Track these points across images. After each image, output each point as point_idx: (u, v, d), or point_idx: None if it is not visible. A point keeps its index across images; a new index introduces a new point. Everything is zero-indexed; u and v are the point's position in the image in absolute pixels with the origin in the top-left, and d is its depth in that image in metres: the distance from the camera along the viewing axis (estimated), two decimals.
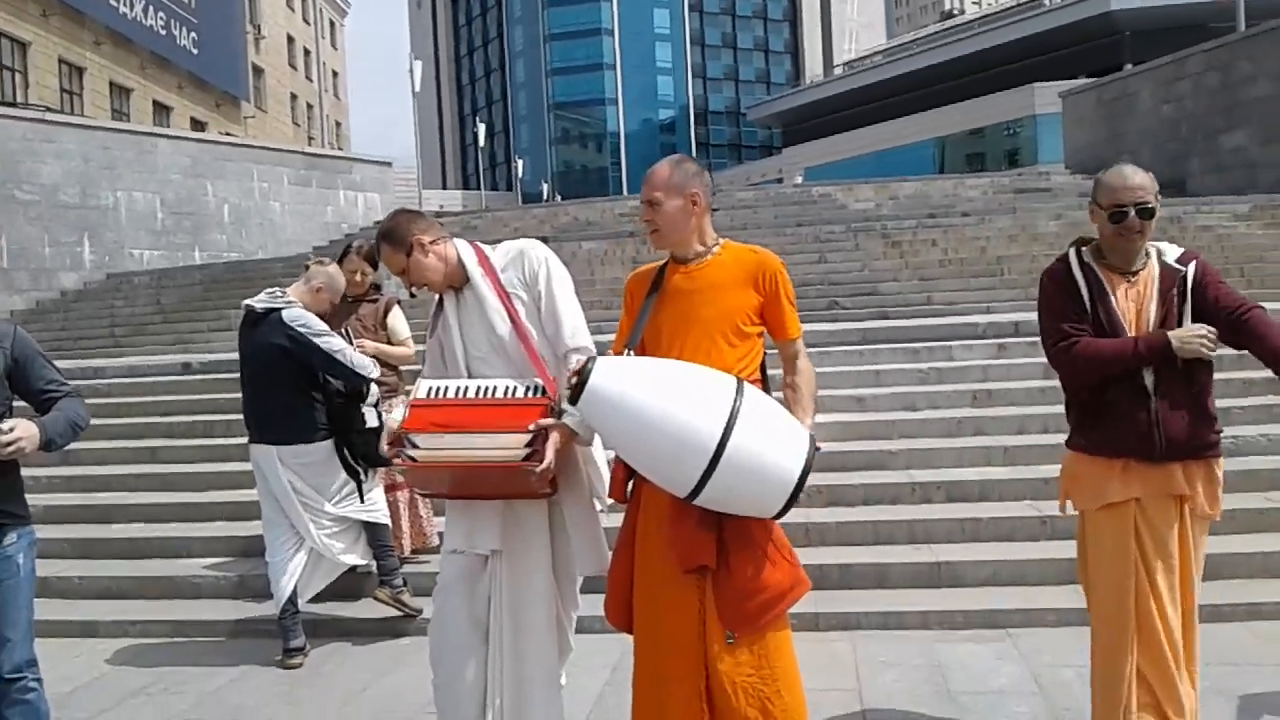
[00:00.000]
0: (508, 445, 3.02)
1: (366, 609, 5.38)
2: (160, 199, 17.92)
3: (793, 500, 2.73)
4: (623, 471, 3.07)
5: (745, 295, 3.01)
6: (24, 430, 3.09)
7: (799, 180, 38.55)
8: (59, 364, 3.55)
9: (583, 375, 2.74)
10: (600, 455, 3.40)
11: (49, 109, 22.38)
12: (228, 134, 32.88)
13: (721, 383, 2.76)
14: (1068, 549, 3.96)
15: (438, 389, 3.21)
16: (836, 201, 17.97)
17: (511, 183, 60.38)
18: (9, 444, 3.04)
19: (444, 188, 72.45)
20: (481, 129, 49.96)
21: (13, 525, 3.28)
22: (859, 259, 12.63)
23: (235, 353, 5.47)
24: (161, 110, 32.74)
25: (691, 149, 76.96)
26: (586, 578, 3.44)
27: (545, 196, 52.02)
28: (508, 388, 3.17)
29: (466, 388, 3.20)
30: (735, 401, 2.70)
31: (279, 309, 5.04)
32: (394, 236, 3.34)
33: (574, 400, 2.78)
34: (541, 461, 2.97)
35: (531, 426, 3.01)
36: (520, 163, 61.78)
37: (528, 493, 3.14)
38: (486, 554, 3.30)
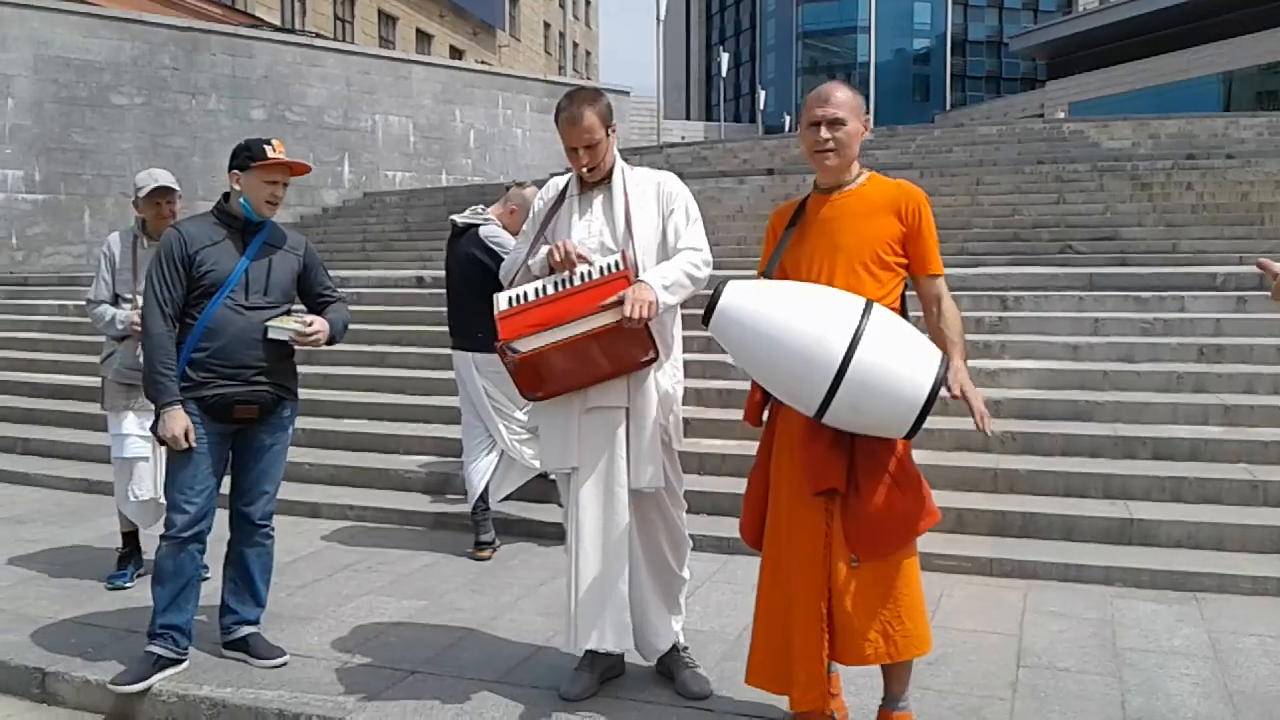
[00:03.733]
0: (599, 322, 3.21)
1: (552, 514, 5.70)
2: (413, 123, 19.03)
3: (921, 418, 2.72)
4: (759, 395, 3.14)
5: (887, 224, 2.99)
6: (321, 325, 3.87)
7: (1062, 115, 36.24)
8: None
9: (714, 296, 2.83)
10: (670, 380, 3.55)
11: (319, 35, 24.10)
12: (483, 62, 34.26)
13: (850, 301, 2.79)
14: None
15: (516, 296, 3.39)
16: (1088, 139, 16.88)
17: (754, 114, 59.90)
18: (312, 334, 3.82)
19: (687, 118, 72.97)
20: (725, 58, 49.68)
21: (288, 400, 4.01)
22: (1101, 201, 11.87)
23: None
24: (423, 38, 34.49)
25: (946, 81, 73.59)
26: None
27: (788, 129, 51.36)
28: (583, 273, 3.34)
29: (543, 286, 3.37)
30: (862, 318, 2.72)
31: (477, 225, 5.37)
32: (608, 111, 3.50)
33: (706, 320, 2.87)
34: (628, 309, 3.14)
35: (615, 297, 3.19)
36: (764, 93, 61.06)
37: (632, 361, 3.33)
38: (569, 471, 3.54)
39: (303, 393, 7.65)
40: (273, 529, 4.12)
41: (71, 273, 13.49)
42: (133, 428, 4.89)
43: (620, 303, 3.21)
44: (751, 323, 2.78)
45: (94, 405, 8.21)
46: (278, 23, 25.90)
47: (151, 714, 3.77)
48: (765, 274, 3.08)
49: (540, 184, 5.89)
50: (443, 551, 5.46)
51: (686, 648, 3.73)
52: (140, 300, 4.75)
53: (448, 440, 6.84)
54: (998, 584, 4.78)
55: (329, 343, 4.00)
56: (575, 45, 51.17)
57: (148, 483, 4.93)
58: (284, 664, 3.95)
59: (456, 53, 35.29)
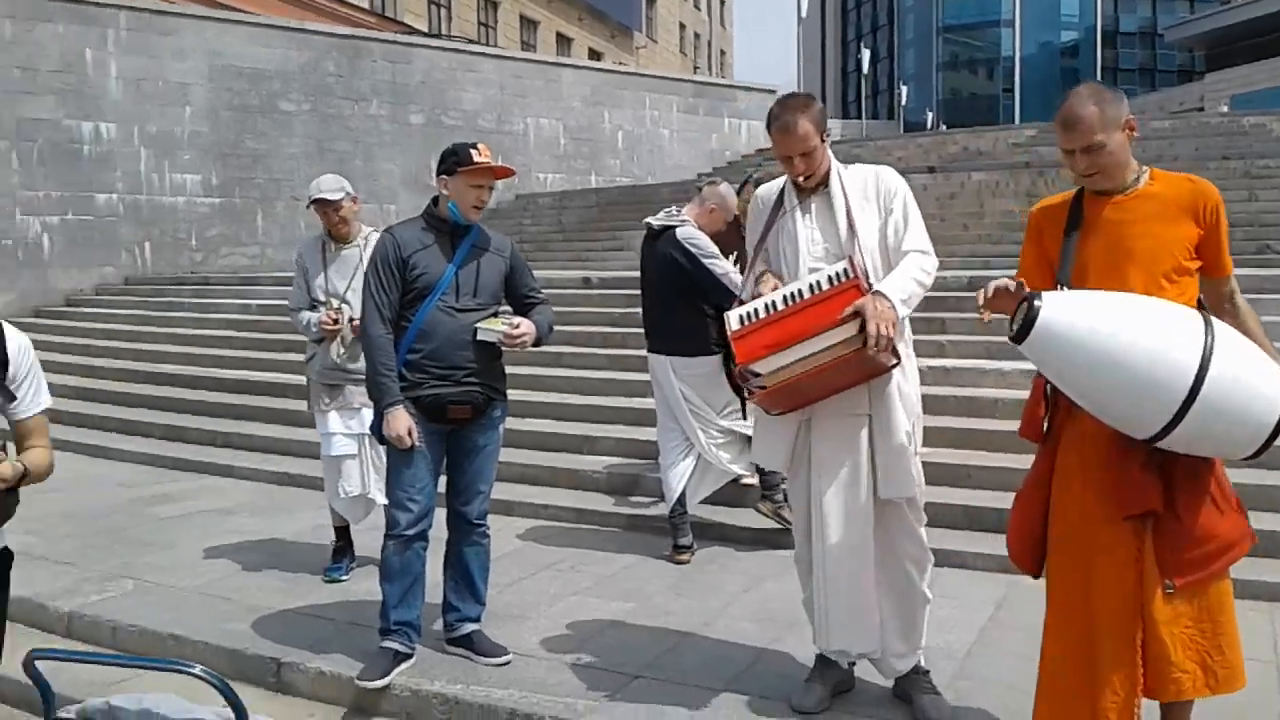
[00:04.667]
0: (838, 337, 3.11)
1: (748, 519, 5.64)
2: (563, 125, 19.26)
3: (1273, 438, 2.53)
4: (1041, 409, 2.95)
5: (1184, 227, 2.78)
6: (527, 327, 3.91)
7: (1224, 109, 34.40)
8: None
9: (1030, 312, 2.59)
10: (911, 383, 3.45)
11: (470, 40, 24.63)
12: (620, 64, 34.52)
13: (1185, 314, 2.58)
14: None
15: (747, 314, 3.29)
16: (1272, 133, 15.94)
17: (893, 110, 58.83)
18: (520, 336, 3.85)
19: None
20: (866, 54, 48.89)
21: (498, 400, 4.07)
22: None
23: (629, 270, 5.86)
24: (563, 41, 34.95)
25: (1096, 74, 70.69)
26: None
27: (929, 125, 50.16)
28: (811, 284, 3.24)
29: (773, 301, 3.26)
30: (1207, 334, 2.51)
31: (674, 227, 5.33)
32: (821, 117, 3.39)
33: (1019, 338, 2.63)
34: (872, 338, 3.04)
35: (849, 310, 3.09)
36: (904, 89, 59.82)
37: (878, 369, 3.23)
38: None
39: None
40: (488, 528, 4.17)
41: (248, 272, 14.10)
42: (338, 426, 5.02)
43: (856, 314, 3.10)
44: (1083, 341, 2.54)
45: (281, 400, 8.60)
46: (426, 30, 26.59)
47: (388, 707, 3.85)
48: (1060, 279, 2.86)
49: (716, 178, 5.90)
50: (640, 553, 5.45)
51: (928, 671, 3.60)
52: (331, 302, 4.90)
53: (631, 441, 6.85)
54: (1239, 606, 4.49)
55: (535, 344, 4.02)
56: (710, 45, 51.11)
57: (356, 479, 5.06)
58: (508, 662, 3.99)
59: (595, 55, 35.64)
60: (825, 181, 3.45)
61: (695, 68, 47.13)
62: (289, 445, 7.55)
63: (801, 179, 3.43)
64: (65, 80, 14.05)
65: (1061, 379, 2.70)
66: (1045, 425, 2.95)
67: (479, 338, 3.89)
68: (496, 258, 4.04)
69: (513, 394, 7.78)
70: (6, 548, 2.87)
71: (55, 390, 9.23)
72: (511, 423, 7.34)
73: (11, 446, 2.77)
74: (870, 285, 3.22)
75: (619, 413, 7.35)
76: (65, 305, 13.67)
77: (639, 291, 5.68)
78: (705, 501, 5.61)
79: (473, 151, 3.91)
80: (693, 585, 4.96)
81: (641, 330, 5.68)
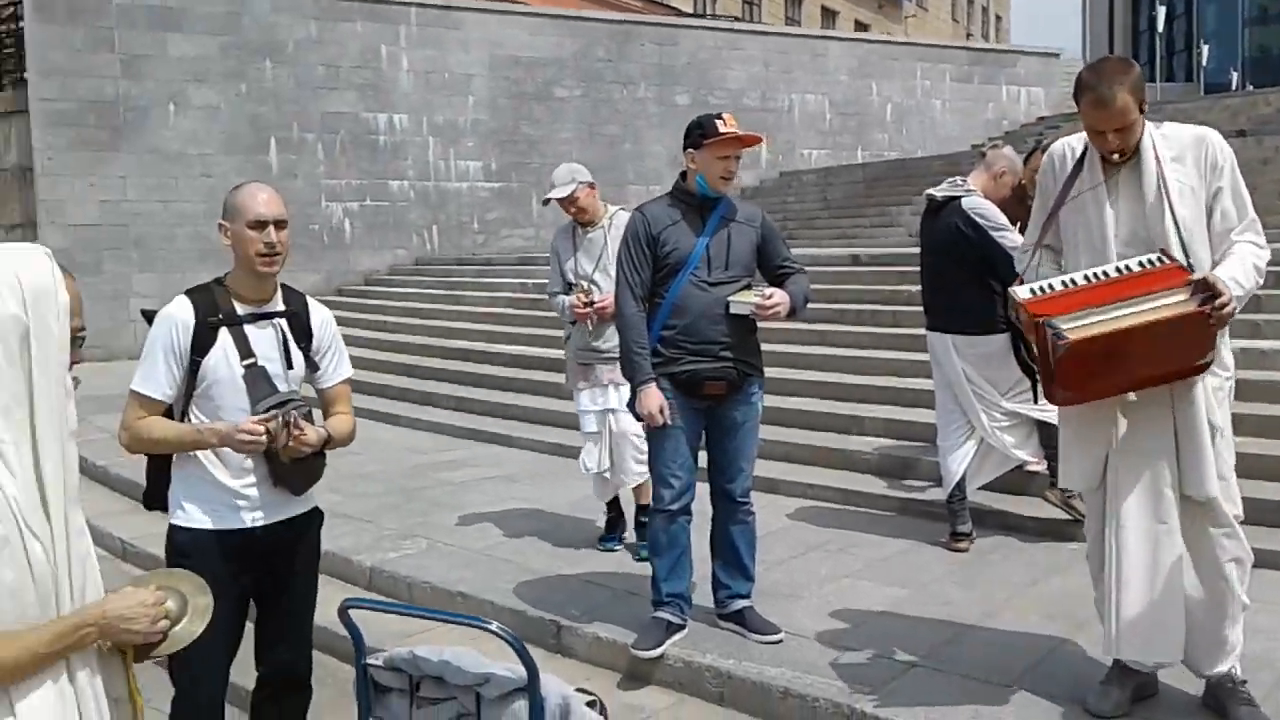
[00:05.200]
0: (1166, 302, 2.81)
1: (1033, 507, 5.32)
2: (829, 100, 18.91)
3: None
4: None
5: None
6: (780, 297, 3.79)
7: None
8: None
9: None
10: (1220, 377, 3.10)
11: (735, 19, 24.61)
12: (888, 34, 33.51)
13: None
14: None
15: (1041, 287, 3.02)
16: None
17: (1191, 72, 53.91)
18: (773, 307, 3.75)
19: None
20: (1161, 11, 45.01)
21: (754, 376, 3.97)
22: None
23: (898, 247, 5.63)
24: (828, 15, 34.34)
25: None
26: None
27: (1233, 86, 45.60)
28: (1120, 266, 2.94)
29: (1073, 279, 2.97)
30: None
31: (958, 197, 5.06)
32: (1140, 84, 3.04)
33: None
34: (1223, 301, 2.76)
35: (1185, 281, 2.81)
36: (1204, 48, 54.68)
37: (1188, 364, 2.92)
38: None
39: None
40: (752, 505, 4.11)
41: (524, 253, 14.75)
42: (587, 404, 5.10)
43: (1194, 291, 2.81)
44: None
45: (556, 374, 8.87)
46: (691, 11, 26.80)
47: (661, 677, 3.90)
48: None
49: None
50: (914, 538, 5.26)
51: (1245, 681, 3.26)
52: (581, 284, 4.94)
53: (901, 423, 6.63)
54: None
55: (789, 315, 3.91)
56: (985, 10, 48.66)
57: (594, 457, 5.12)
58: (780, 640, 3.94)
59: (861, 27, 34.77)
60: (1136, 151, 3.10)
61: (968, 34, 45.04)
62: (564, 418, 7.81)
63: (1115, 156, 3.10)
64: (363, 75, 15.19)
65: None
66: None
67: (732, 310, 3.83)
68: (747, 228, 3.97)
69: (777, 371, 7.82)
70: (317, 507, 3.10)
71: (354, 362, 9.95)
72: (775, 401, 7.36)
73: (317, 414, 2.98)
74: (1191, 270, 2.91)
75: (888, 392, 7.12)
76: (364, 284, 14.83)
77: (910, 269, 5.47)
78: (986, 488, 5.34)
79: (718, 122, 3.85)
80: (972, 575, 4.73)
81: (914, 308, 5.46)
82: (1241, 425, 5.62)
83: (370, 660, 2.65)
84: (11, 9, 14.05)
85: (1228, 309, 2.81)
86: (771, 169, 18.14)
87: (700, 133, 3.85)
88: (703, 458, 4.08)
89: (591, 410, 5.07)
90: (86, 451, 6.76)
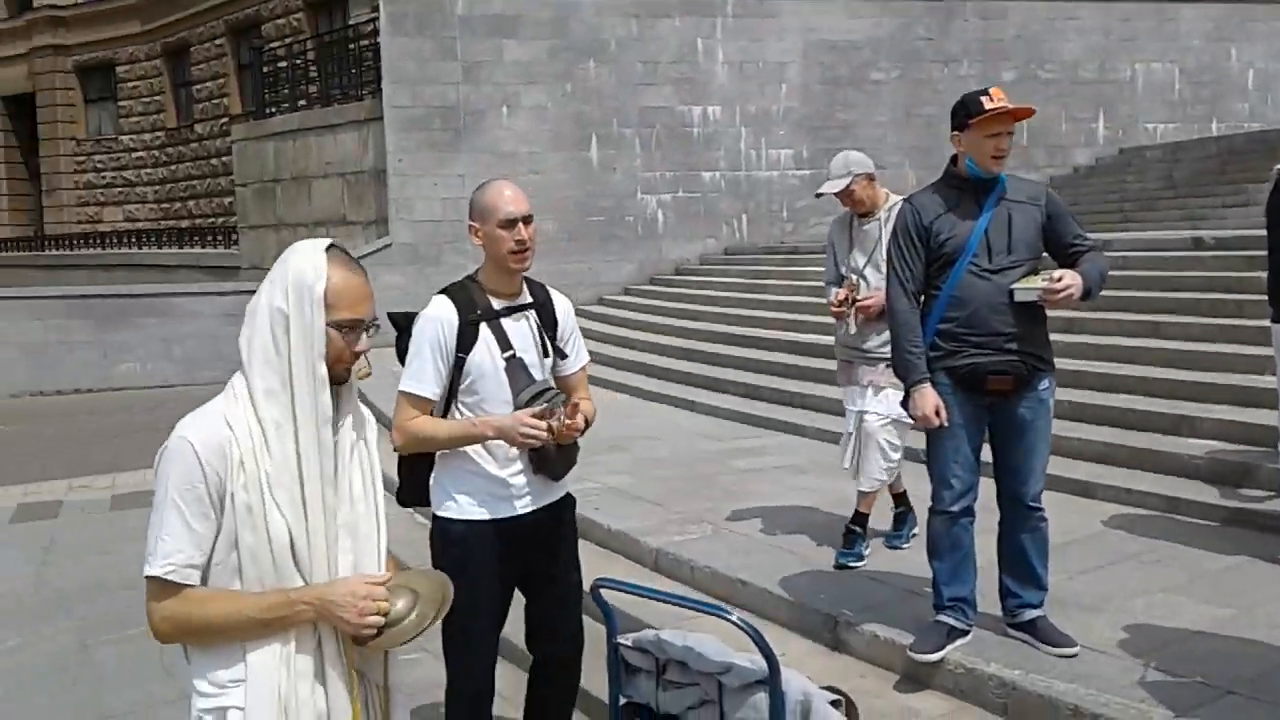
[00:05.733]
0: None
1: None
2: (1178, 68, 17.21)
3: None
4: None
5: None
6: (1071, 279, 3.46)
7: None
8: None
9: None
10: None
11: None
12: None
13: None
14: None
15: None
16: None
17: None
18: (1063, 290, 3.44)
19: None
20: None
21: (1044, 371, 3.69)
22: None
23: (1251, 229, 5.00)
24: None
25: None
26: None
27: None
28: None
29: None
30: None
31: None
32: None
33: None
34: None
35: None
36: None
37: None
38: None
39: (1069, 363, 7.35)
40: (1044, 511, 3.80)
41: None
42: (847, 402, 4.95)
43: None
44: None
45: None
46: None
47: (941, 682, 3.72)
48: None
49: None
50: (1246, 553, 4.68)
51: None
52: (851, 278, 4.74)
53: (1239, 425, 5.89)
54: None
55: (1084, 298, 3.55)
56: None
57: (847, 455, 4.95)
58: (1075, 654, 3.64)
59: None
60: None
61: None
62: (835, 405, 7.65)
63: None
64: (680, 70, 15.55)
65: None
66: None
67: (1017, 299, 3.54)
68: (1030, 208, 3.66)
69: (1095, 366, 7.25)
70: (569, 493, 3.20)
71: (661, 349, 10.38)
72: (1094, 398, 6.83)
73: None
74: None
75: (1225, 391, 6.36)
76: (675, 274, 15.22)
77: (1262, 253, 4.85)
78: None
79: (983, 99, 3.57)
80: None
81: (1260, 297, 4.85)
82: None
83: (621, 640, 2.71)
84: (371, 25, 15.60)
85: None
86: (1110, 146, 16.77)
87: (965, 113, 3.61)
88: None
89: (851, 409, 4.93)
90: None
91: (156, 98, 27.53)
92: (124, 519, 7.32)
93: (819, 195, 4.94)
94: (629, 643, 2.67)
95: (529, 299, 3.09)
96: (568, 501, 3.19)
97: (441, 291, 3.05)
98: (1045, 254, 3.74)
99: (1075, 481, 5.77)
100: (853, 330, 4.79)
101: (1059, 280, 3.47)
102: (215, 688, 1.90)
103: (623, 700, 2.72)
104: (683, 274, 15.13)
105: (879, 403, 4.74)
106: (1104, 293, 7.63)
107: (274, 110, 17.62)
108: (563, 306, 3.18)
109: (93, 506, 8.02)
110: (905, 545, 4.97)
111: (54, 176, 29.19)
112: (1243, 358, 6.56)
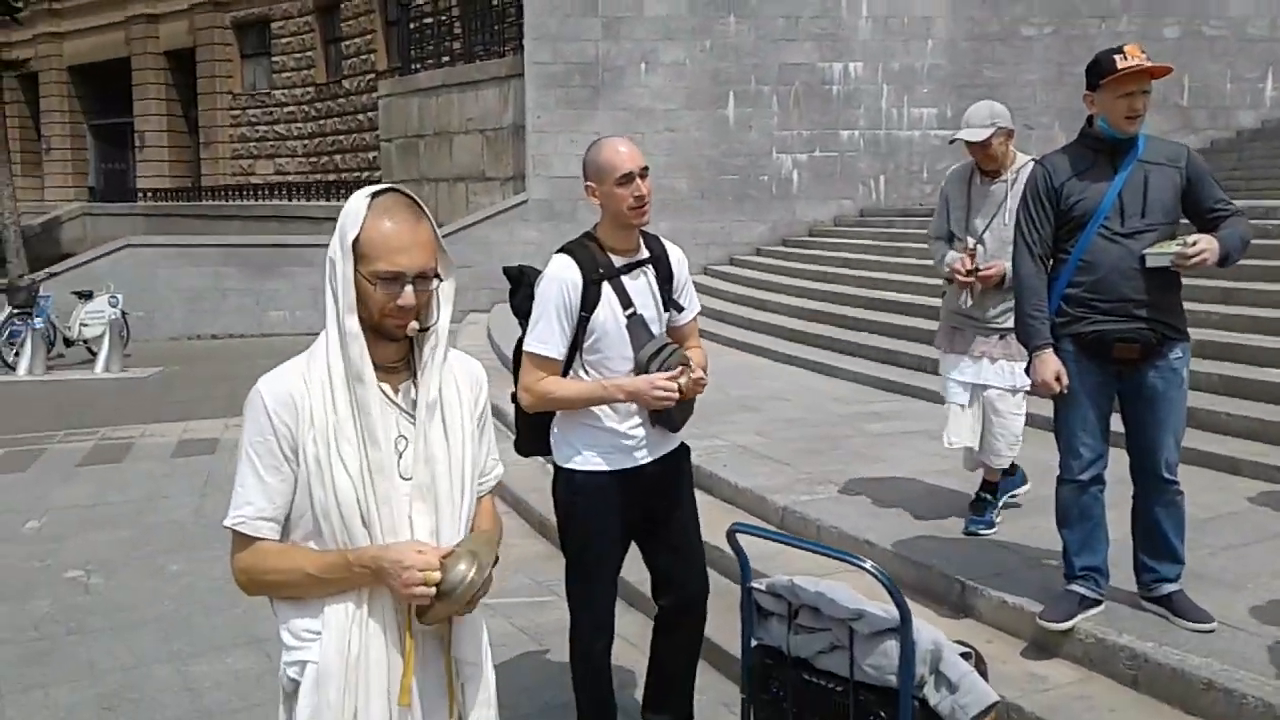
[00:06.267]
0: None
1: None
2: None
3: None
4: None
5: None
6: (1207, 243, 3.36)
7: None
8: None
9: None
10: None
11: None
12: None
13: None
14: None
15: None
16: None
17: None
18: (1196, 254, 3.35)
19: None
20: None
21: (1177, 339, 3.58)
22: None
23: None
24: None
25: None
26: None
27: None
28: None
29: None
30: None
31: None
32: None
33: None
34: None
35: None
36: None
37: None
38: None
39: (1222, 335, 7.07)
40: (1179, 484, 3.69)
41: None
42: (954, 373, 4.73)
43: None
44: None
45: None
46: None
47: (1070, 651, 3.70)
48: None
49: None
50: None
51: None
52: (969, 241, 4.57)
53: None
54: None
55: (1221, 263, 3.43)
56: None
57: (964, 431, 4.72)
58: (1211, 630, 3.57)
59: None
60: None
61: None
62: None
63: None
64: (821, 25, 15.28)
65: None
66: None
67: (1149, 264, 3.45)
68: (1169, 169, 3.54)
69: (1256, 338, 6.95)
70: (684, 443, 3.28)
71: (793, 311, 10.33)
72: (1247, 371, 6.59)
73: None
74: None
75: None
76: (808, 235, 15.07)
77: None
78: None
79: (1116, 58, 3.44)
80: None
81: None
82: None
83: (755, 584, 2.80)
84: None
85: None
86: (1277, 108, 15.80)
87: (1098, 71, 3.49)
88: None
89: (959, 381, 4.71)
90: None
91: (308, 53, 28.46)
92: None
93: (952, 141, 4.75)
94: (763, 587, 2.75)
95: (646, 254, 3.13)
96: (684, 451, 3.28)
97: (561, 250, 3.09)
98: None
99: (1222, 458, 5.58)
100: (969, 302, 4.61)
101: (1194, 244, 3.37)
102: (296, 640, 1.89)
103: (754, 643, 2.81)
104: (816, 236, 14.97)
105: (997, 375, 4.59)
106: (1262, 263, 7.34)
107: (419, 67, 18.06)
108: (677, 257, 3.22)
109: None
110: (985, 532, 4.69)
111: (211, 130, 30.58)
112: None
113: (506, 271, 3.36)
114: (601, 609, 3.25)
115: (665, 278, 3.15)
